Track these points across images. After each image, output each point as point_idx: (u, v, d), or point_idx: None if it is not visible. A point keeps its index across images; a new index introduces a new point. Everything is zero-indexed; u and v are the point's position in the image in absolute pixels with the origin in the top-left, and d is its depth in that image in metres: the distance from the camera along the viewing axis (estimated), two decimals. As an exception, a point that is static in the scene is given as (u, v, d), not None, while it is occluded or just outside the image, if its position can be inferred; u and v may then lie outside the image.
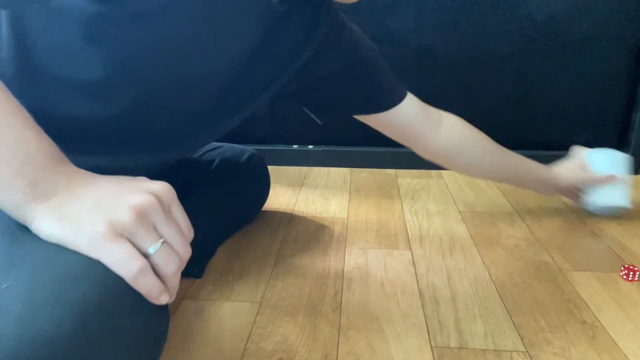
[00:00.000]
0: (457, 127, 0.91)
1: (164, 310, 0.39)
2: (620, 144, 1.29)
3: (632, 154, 1.26)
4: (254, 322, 0.65)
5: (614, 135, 1.29)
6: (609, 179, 0.94)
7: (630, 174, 0.97)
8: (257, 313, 0.67)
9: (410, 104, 0.85)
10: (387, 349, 0.60)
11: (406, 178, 1.26)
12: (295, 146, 1.37)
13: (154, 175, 0.68)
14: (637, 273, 0.75)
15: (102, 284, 0.33)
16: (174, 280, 0.37)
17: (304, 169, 1.34)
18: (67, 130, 0.51)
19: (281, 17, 0.60)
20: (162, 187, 0.39)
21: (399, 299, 0.71)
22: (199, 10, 0.49)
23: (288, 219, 1.00)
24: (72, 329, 0.30)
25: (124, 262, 0.33)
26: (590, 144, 1.29)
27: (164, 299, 0.36)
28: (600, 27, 1.18)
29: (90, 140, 0.53)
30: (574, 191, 0.98)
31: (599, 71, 1.22)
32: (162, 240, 0.36)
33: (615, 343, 0.61)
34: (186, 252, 0.39)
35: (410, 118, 0.85)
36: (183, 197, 0.83)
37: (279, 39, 0.62)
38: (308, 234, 0.93)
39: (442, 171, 1.31)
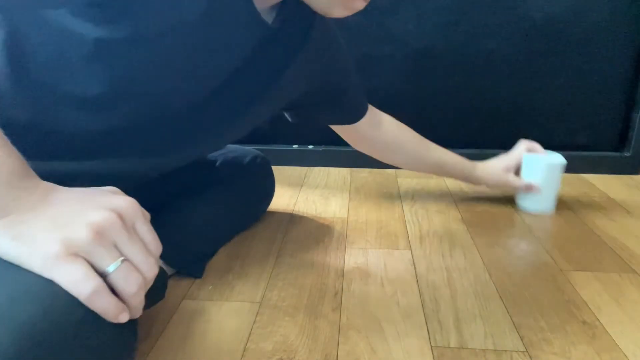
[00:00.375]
0: (394, 127, 0.98)
1: (128, 328, 0.38)
2: (620, 144, 1.29)
3: (632, 154, 1.27)
4: (254, 322, 0.65)
5: (614, 135, 1.29)
6: (528, 189, 0.98)
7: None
8: (257, 313, 0.67)
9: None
10: (387, 349, 0.60)
11: (406, 178, 1.26)
12: (295, 146, 1.37)
13: (154, 179, 0.68)
14: None
15: (53, 305, 0.32)
16: (136, 299, 0.37)
17: (304, 169, 1.34)
18: (62, 140, 0.51)
19: (273, 34, 0.61)
20: (125, 203, 0.38)
21: (399, 299, 0.71)
22: (197, 33, 0.50)
23: (288, 219, 1.00)
24: (15, 352, 0.29)
25: (77, 283, 0.33)
26: (590, 144, 1.30)
27: (123, 318, 0.36)
28: (600, 27, 1.18)
29: (86, 149, 0.54)
30: (502, 188, 1.05)
31: (599, 71, 1.22)
32: (122, 258, 0.35)
33: (615, 343, 0.61)
34: (150, 270, 0.38)
35: (360, 125, 0.93)
36: (184, 198, 0.84)
37: (268, 52, 0.62)
38: (308, 234, 0.93)
39: (442, 171, 1.31)
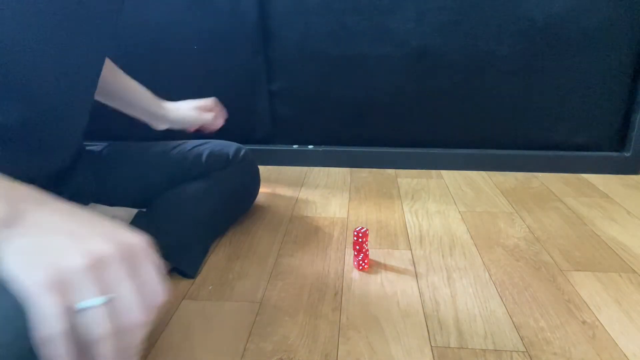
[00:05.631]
0: None
1: None
2: (620, 144, 1.29)
3: (632, 154, 1.27)
4: (254, 322, 0.65)
5: (614, 135, 1.29)
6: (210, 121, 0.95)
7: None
8: (257, 313, 0.67)
9: None
10: (387, 349, 0.60)
11: (406, 178, 1.26)
12: (295, 146, 1.37)
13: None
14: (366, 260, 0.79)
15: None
16: (103, 348, 0.31)
17: (304, 169, 1.34)
18: None
19: None
20: (135, 241, 0.34)
21: (399, 299, 0.71)
22: None
23: (288, 219, 1.00)
24: None
25: (46, 319, 0.30)
26: (590, 144, 1.30)
27: None
28: (600, 27, 1.18)
29: None
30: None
31: (599, 71, 1.22)
32: (107, 297, 0.31)
33: (615, 343, 0.61)
34: (138, 319, 0.33)
35: None
36: (174, 192, 0.83)
37: None
38: (308, 234, 0.93)
39: (442, 171, 1.31)
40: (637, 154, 1.27)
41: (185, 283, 0.75)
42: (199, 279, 0.77)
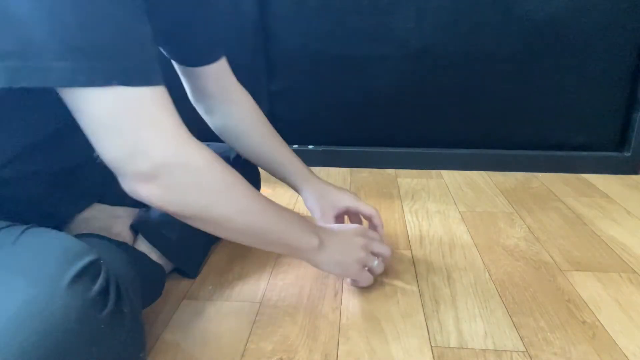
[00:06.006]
0: (246, 106, 0.90)
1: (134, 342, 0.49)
2: (620, 144, 1.29)
3: (632, 154, 1.27)
4: (254, 322, 0.65)
5: (614, 135, 1.29)
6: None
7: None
8: (257, 313, 0.68)
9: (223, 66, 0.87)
10: (387, 349, 0.60)
11: (406, 178, 1.26)
12: (295, 146, 1.36)
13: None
14: None
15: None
16: (381, 271, 0.73)
17: (304, 169, 1.34)
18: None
19: None
20: (364, 228, 0.73)
21: (399, 299, 0.71)
22: None
23: (288, 219, 1.00)
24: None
25: (366, 281, 0.71)
26: (590, 144, 1.30)
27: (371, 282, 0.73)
28: (600, 27, 1.18)
29: None
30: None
31: (599, 71, 1.22)
32: (376, 260, 0.70)
33: (615, 343, 0.61)
34: (388, 256, 0.73)
35: (203, 77, 0.86)
36: None
37: None
38: (308, 234, 0.93)
39: (442, 171, 1.31)
40: (637, 154, 1.27)
41: (185, 283, 0.75)
42: (199, 279, 0.77)
